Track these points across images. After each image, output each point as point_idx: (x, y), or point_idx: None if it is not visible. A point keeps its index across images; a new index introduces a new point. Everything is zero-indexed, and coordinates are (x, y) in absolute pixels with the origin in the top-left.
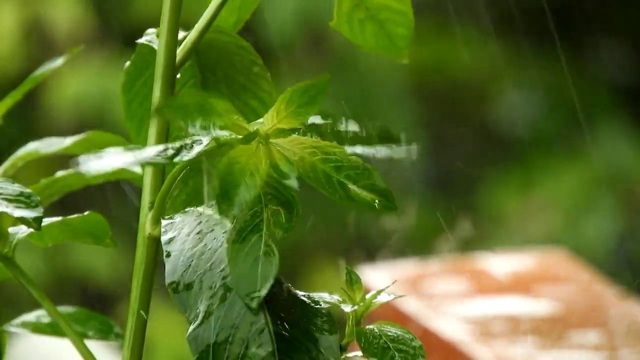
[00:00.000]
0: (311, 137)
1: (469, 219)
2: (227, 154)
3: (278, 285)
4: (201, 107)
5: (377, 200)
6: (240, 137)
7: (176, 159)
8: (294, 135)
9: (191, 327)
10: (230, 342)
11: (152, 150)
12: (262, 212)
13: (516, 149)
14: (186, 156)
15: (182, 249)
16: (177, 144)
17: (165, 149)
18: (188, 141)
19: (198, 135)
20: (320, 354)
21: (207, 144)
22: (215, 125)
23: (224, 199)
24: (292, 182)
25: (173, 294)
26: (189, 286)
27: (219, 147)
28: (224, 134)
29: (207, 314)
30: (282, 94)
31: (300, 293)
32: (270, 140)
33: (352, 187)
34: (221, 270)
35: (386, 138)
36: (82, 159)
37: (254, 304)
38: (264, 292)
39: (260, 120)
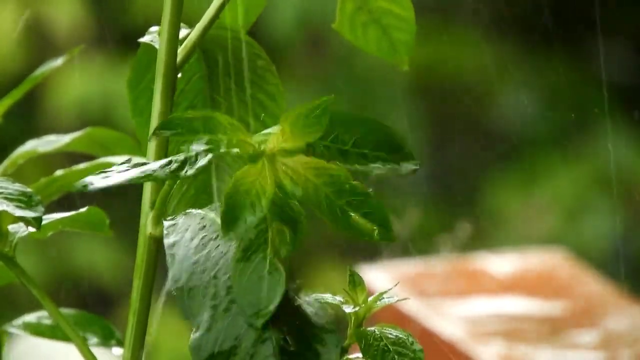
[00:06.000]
0: (315, 155)
1: (469, 219)
2: (234, 176)
3: (284, 296)
4: (206, 122)
5: (375, 230)
6: (247, 154)
7: (181, 174)
8: (299, 155)
9: (193, 336)
10: (234, 353)
11: (156, 164)
12: (267, 230)
13: (516, 149)
14: (190, 170)
15: (185, 254)
16: (181, 157)
17: (169, 163)
18: (192, 154)
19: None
20: None
21: (212, 158)
22: (221, 143)
23: (230, 220)
24: (297, 204)
25: (177, 300)
26: (192, 293)
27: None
28: (230, 150)
29: (211, 324)
30: (286, 113)
31: (304, 300)
32: (276, 159)
33: (352, 214)
34: (225, 280)
35: (392, 154)
36: (88, 179)
37: (258, 324)
38: (268, 311)
39: (266, 131)
